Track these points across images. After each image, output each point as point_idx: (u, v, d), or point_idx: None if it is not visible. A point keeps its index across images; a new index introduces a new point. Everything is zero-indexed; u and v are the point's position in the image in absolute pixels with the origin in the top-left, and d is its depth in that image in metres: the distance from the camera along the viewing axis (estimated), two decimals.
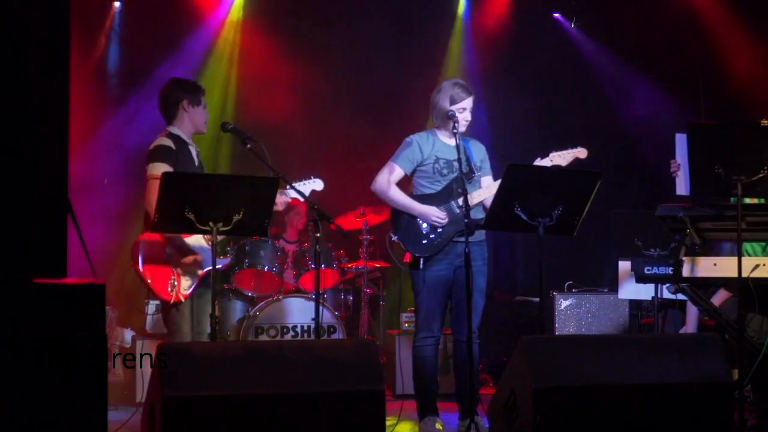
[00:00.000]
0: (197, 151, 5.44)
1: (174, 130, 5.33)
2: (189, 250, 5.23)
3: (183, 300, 5.17)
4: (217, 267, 5.24)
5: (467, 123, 5.55)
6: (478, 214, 5.44)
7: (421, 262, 5.45)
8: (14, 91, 2.96)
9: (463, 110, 5.50)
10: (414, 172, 5.60)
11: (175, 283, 5.16)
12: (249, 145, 5.24)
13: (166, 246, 5.21)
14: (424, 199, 5.53)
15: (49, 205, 2.99)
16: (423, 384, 5.55)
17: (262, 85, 8.86)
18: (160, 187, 4.77)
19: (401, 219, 5.56)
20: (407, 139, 5.62)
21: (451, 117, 5.41)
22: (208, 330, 5.18)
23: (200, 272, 5.25)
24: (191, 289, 5.20)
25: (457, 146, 5.27)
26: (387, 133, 8.60)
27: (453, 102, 5.49)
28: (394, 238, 5.62)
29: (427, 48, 9.02)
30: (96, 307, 3.03)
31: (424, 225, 5.48)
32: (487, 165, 5.68)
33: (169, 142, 5.23)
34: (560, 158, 5.43)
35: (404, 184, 5.68)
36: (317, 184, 5.65)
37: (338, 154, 8.87)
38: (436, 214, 5.43)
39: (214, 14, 8.75)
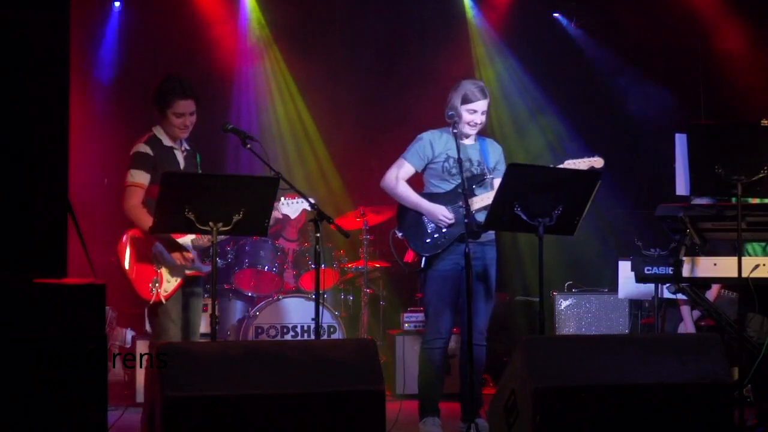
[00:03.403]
0: (187, 153, 5.40)
1: (158, 132, 5.30)
2: (177, 246, 5.24)
3: (164, 301, 5.18)
4: (203, 272, 5.29)
5: (477, 126, 5.44)
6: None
7: (423, 261, 5.41)
8: (14, 91, 2.96)
9: (474, 111, 5.40)
10: (425, 169, 5.52)
11: (157, 283, 5.17)
12: (249, 145, 5.24)
13: (154, 244, 5.20)
14: (433, 197, 5.45)
15: (49, 205, 2.99)
16: (427, 386, 5.50)
17: (263, 86, 8.87)
18: (160, 187, 4.78)
19: (407, 216, 5.48)
20: (420, 136, 5.53)
21: (450, 117, 5.33)
22: (200, 332, 5.16)
23: (186, 272, 5.26)
24: (172, 291, 5.21)
25: (458, 146, 5.22)
26: (387, 133, 8.62)
27: (465, 101, 5.39)
28: (399, 234, 5.53)
29: (428, 48, 9.01)
30: (96, 307, 3.03)
31: (430, 224, 5.41)
32: (502, 167, 5.50)
33: (146, 149, 5.22)
34: (574, 167, 5.28)
35: (416, 181, 5.62)
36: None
37: (339, 154, 8.88)
38: (443, 213, 5.35)
39: (214, 16, 8.74)
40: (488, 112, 5.49)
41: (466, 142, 5.49)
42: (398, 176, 5.49)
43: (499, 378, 4.56)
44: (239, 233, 5.45)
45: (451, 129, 5.42)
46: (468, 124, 5.42)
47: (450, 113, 5.34)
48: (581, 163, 5.30)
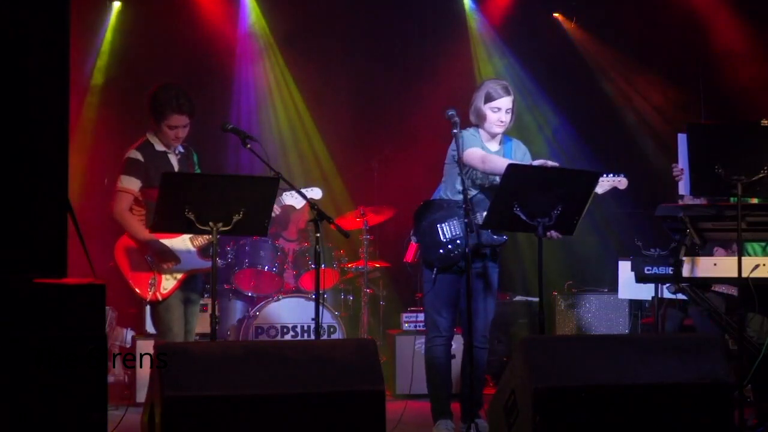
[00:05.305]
0: (182, 156, 5.44)
1: (151, 137, 5.38)
2: (168, 253, 5.28)
3: (161, 299, 5.26)
4: (200, 269, 5.33)
5: (504, 124, 5.34)
6: None
7: (435, 270, 5.32)
8: (14, 91, 2.96)
9: (498, 109, 5.29)
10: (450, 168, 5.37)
11: (155, 282, 5.22)
12: (249, 145, 5.25)
13: (146, 251, 5.30)
14: (450, 203, 5.33)
15: (49, 205, 2.99)
16: (434, 386, 5.41)
17: (263, 86, 8.87)
18: (160, 187, 4.80)
19: (422, 223, 5.37)
20: (467, 131, 5.32)
21: (450, 117, 5.14)
22: (200, 332, 5.18)
23: (179, 275, 5.31)
24: (172, 288, 5.28)
25: (458, 146, 5.17)
26: (387, 133, 8.63)
27: (488, 99, 5.29)
28: (413, 240, 5.44)
29: (427, 48, 9.01)
30: (96, 307, 3.03)
31: (444, 234, 5.29)
32: None
33: (137, 155, 5.30)
34: (598, 186, 5.10)
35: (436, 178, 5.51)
36: (315, 193, 5.57)
37: (339, 154, 8.88)
38: None
39: (214, 16, 8.74)
40: (514, 111, 5.38)
41: (490, 146, 5.39)
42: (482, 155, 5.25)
43: (499, 378, 4.55)
44: (239, 233, 5.46)
45: (479, 130, 5.37)
46: (494, 123, 5.33)
47: (450, 113, 5.15)
48: (605, 182, 5.17)
